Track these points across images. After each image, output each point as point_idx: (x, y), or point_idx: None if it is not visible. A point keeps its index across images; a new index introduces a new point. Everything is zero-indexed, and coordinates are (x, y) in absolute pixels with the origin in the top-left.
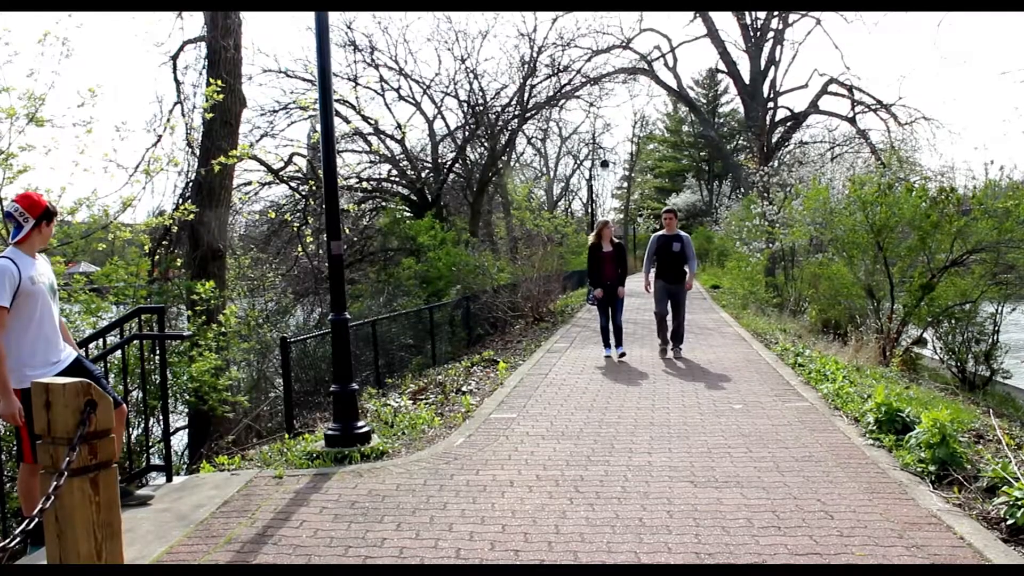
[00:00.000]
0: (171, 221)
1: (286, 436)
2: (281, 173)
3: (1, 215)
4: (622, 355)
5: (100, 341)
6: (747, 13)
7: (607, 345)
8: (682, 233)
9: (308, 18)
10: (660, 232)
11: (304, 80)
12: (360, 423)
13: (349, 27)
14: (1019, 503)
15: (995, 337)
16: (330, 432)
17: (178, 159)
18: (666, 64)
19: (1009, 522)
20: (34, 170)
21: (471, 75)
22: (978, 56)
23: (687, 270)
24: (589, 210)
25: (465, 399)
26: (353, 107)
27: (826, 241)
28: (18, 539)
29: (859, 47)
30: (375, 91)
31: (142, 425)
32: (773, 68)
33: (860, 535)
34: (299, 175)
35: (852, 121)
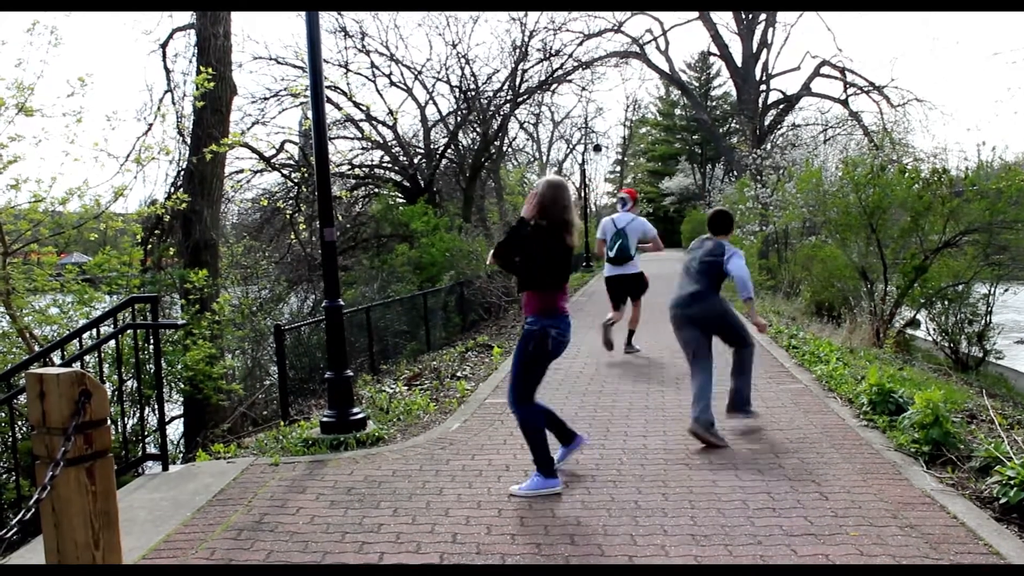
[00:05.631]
0: (163, 210)
1: (281, 423)
2: (273, 161)
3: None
4: None
5: (94, 331)
6: None
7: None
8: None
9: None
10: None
11: (295, 67)
12: (355, 409)
13: (339, 13)
14: (1012, 482)
15: (988, 318)
16: (325, 419)
17: (169, 148)
18: (658, 47)
19: (1002, 501)
20: (24, 160)
21: (462, 60)
22: (970, 37)
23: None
24: (582, 195)
25: (460, 384)
26: (344, 93)
27: (819, 223)
28: (15, 529)
29: (851, 29)
30: (366, 77)
31: (138, 414)
32: (765, 50)
33: (854, 515)
34: (291, 162)
35: (845, 103)
